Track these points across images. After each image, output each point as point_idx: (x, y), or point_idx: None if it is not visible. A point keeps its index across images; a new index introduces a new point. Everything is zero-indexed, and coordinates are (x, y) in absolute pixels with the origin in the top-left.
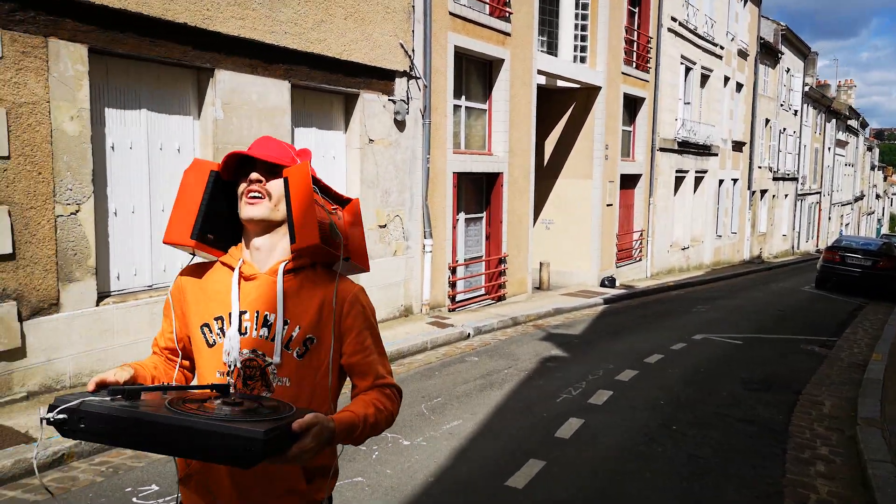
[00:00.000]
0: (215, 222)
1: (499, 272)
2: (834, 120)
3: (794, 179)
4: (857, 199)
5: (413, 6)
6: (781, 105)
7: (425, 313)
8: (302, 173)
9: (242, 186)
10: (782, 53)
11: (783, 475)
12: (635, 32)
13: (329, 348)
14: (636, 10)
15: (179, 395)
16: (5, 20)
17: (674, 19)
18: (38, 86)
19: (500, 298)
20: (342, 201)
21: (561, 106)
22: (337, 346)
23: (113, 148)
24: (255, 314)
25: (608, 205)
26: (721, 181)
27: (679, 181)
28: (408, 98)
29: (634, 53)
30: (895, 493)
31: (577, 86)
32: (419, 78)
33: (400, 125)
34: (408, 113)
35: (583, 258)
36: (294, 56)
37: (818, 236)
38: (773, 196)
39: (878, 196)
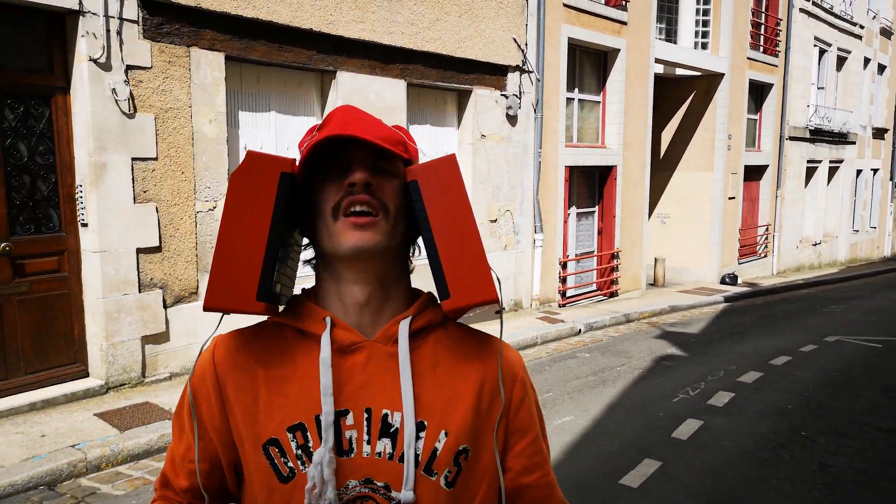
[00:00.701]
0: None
1: (611, 268)
2: None
3: None
4: None
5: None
6: None
7: (535, 308)
8: (450, 172)
9: (330, 194)
10: None
11: None
12: (762, 14)
13: (492, 464)
14: None
15: None
16: (154, 32)
17: None
18: (181, 92)
19: (612, 294)
20: None
21: (679, 95)
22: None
23: (245, 148)
24: (366, 415)
25: (730, 198)
26: (859, 171)
27: (810, 172)
28: (520, 92)
29: (761, 37)
30: None
31: (698, 73)
32: (531, 72)
33: (512, 120)
34: (520, 107)
35: (701, 254)
36: (410, 55)
37: None
38: None
39: None
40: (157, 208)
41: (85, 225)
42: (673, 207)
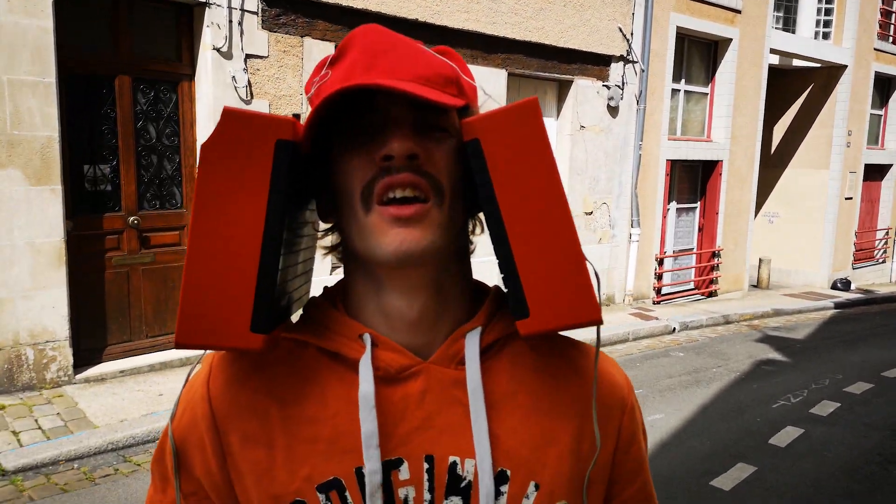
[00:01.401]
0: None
1: (711, 266)
2: None
3: None
4: None
5: None
6: None
7: (628, 304)
8: (530, 126)
9: (356, 172)
10: None
11: None
12: (894, 3)
13: None
14: None
15: None
16: (271, 23)
17: None
18: (294, 80)
19: (711, 294)
20: None
21: (795, 88)
22: None
23: None
24: (426, 465)
25: (847, 198)
26: None
27: None
28: (622, 83)
29: (892, 27)
30: None
31: (817, 65)
32: (636, 62)
33: (613, 111)
34: (622, 98)
35: (811, 257)
36: (511, 45)
37: None
38: None
39: None
40: None
41: None
42: (782, 206)
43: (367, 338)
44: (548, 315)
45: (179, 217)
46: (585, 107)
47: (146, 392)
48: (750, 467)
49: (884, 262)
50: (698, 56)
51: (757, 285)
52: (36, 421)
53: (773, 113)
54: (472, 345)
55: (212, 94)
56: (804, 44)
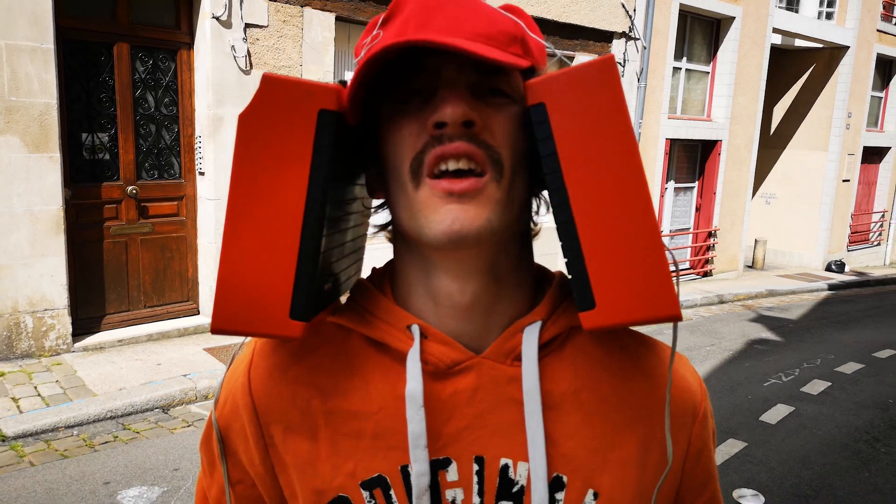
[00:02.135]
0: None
1: (706, 246)
2: None
3: None
4: None
5: None
6: None
7: None
8: (605, 88)
9: (406, 140)
10: None
11: None
12: None
13: None
14: None
15: None
16: None
17: None
18: (293, 51)
19: (706, 274)
20: None
21: (796, 69)
22: None
23: None
24: (476, 467)
25: (844, 180)
26: None
27: None
28: (624, 60)
29: (895, 7)
30: None
31: (820, 45)
32: (638, 39)
33: None
34: (623, 76)
35: (807, 238)
36: None
37: None
38: None
39: None
40: None
41: (202, 174)
42: (780, 187)
43: (416, 329)
44: (617, 307)
45: (178, 187)
46: None
47: (144, 361)
48: (740, 443)
49: (879, 244)
50: (700, 34)
51: (752, 266)
52: (35, 388)
53: (773, 93)
54: (530, 341)
55: (210, 63)
56: (807, 23)
